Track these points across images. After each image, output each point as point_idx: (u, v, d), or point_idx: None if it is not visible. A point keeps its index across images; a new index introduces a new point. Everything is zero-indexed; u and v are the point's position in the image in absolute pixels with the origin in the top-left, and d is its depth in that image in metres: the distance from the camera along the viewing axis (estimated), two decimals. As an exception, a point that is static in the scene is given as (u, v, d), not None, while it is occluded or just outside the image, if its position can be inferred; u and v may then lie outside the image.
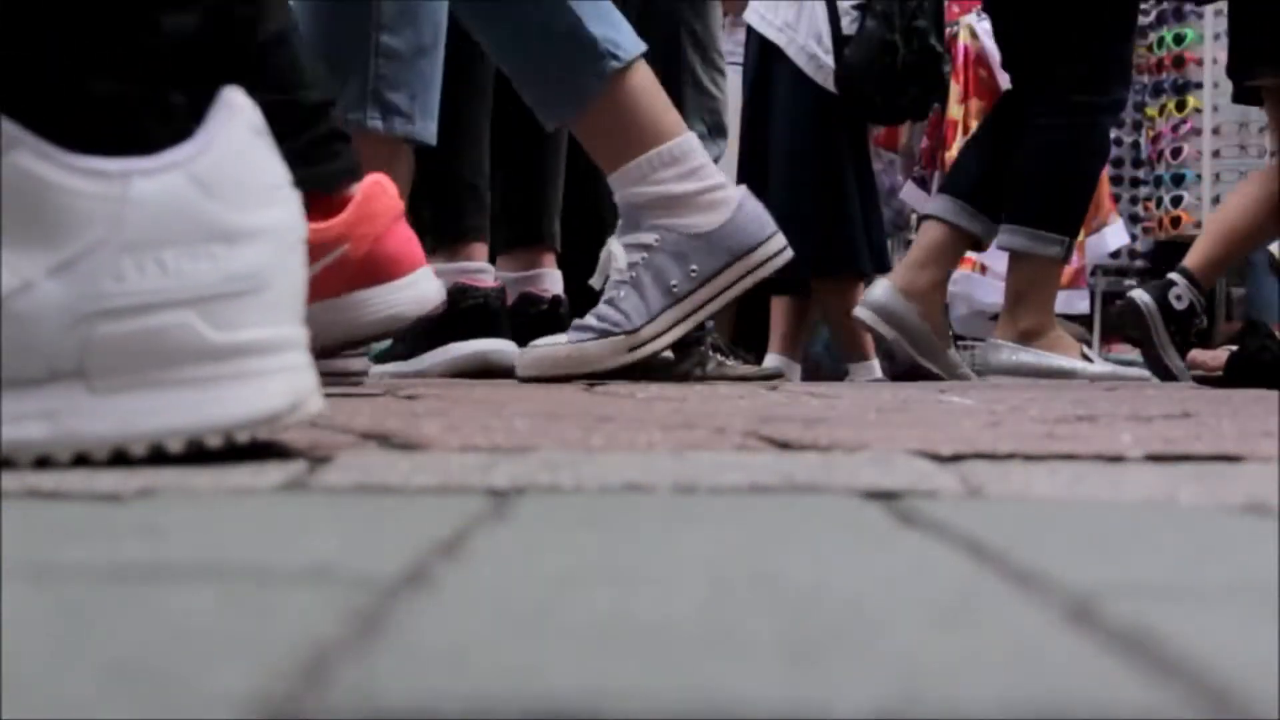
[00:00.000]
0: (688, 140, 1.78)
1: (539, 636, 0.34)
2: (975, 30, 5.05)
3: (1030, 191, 2.91)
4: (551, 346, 1.80)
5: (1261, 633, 0.36)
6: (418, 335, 2.30)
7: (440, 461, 0.73)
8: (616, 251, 1.80)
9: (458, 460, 0.73)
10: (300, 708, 0.28)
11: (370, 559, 0.46)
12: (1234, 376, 2.19)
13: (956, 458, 0.76)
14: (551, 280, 2.40)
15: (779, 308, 4.18)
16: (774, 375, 2.44)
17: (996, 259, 4.74)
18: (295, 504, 0.61)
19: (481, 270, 2.28)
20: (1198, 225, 5.47)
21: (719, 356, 2.61)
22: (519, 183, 2.33)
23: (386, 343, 2.41)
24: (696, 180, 1.78)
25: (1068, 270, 4.21)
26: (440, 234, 2.31)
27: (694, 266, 1.76)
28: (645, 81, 1.78)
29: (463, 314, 2.23)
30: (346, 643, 0.33)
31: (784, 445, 0.83)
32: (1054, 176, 2.89)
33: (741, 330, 4.12)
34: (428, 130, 1.83)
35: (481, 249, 2.30)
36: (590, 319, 1.81)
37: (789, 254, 1.85)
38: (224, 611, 0.38)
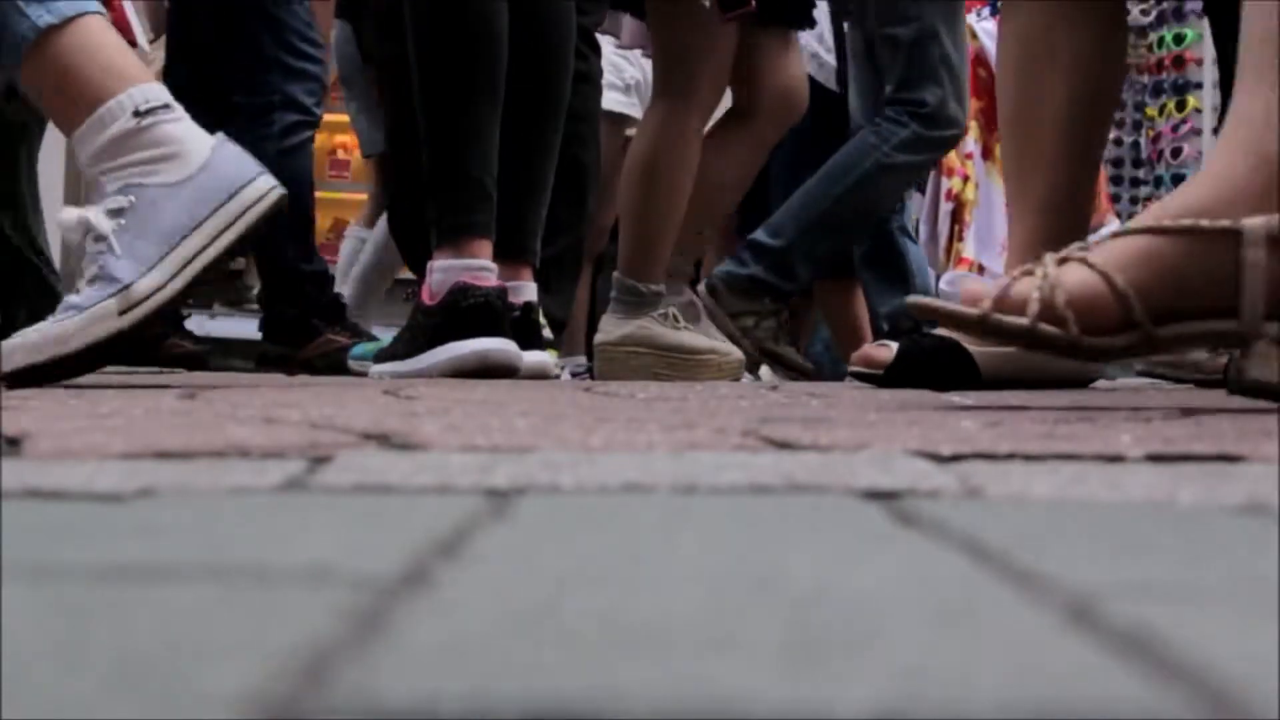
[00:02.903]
0: (141, 92, 1.69)
1: (539, 636, 0.34)
2: (975, 30, 5.05)
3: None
4: (28, 332, 1.68)
5: (1261, 633, 0.36)
6: (418, 335, 2.29)
7: (440, 461, 0.73)
8: (97, 222, 1.69)
9: (458, 460, 0.73)
10: (300, 708, 0.28)
11: (370, 559, 0.46)
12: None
13: (956, 458, 0.76)
14: (528, 293, 2.42)
15: (779, 308, 4.17)
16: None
17: (994, 260, 4.74)
18: (295, 504, 0.61)
19: (484, 269, 2.27)
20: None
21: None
22: (507, 198, 2.32)
23: (386, 341, 2.41)
24: (152, 134, 1.70)
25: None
26: (445, 230, 2.30)
27: (178, 218, 1.67)
28: (90, 40, 1.71)
29: (464, 313, 2.23)
30: (346, 643, 0.33)
31: (784, 445, 0.82)
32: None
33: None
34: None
35: (486, 246, 2.28)
36: (76, 297, 1.70)
37: (279, 192, 1.74)
38: (224, 611, 0.38)
